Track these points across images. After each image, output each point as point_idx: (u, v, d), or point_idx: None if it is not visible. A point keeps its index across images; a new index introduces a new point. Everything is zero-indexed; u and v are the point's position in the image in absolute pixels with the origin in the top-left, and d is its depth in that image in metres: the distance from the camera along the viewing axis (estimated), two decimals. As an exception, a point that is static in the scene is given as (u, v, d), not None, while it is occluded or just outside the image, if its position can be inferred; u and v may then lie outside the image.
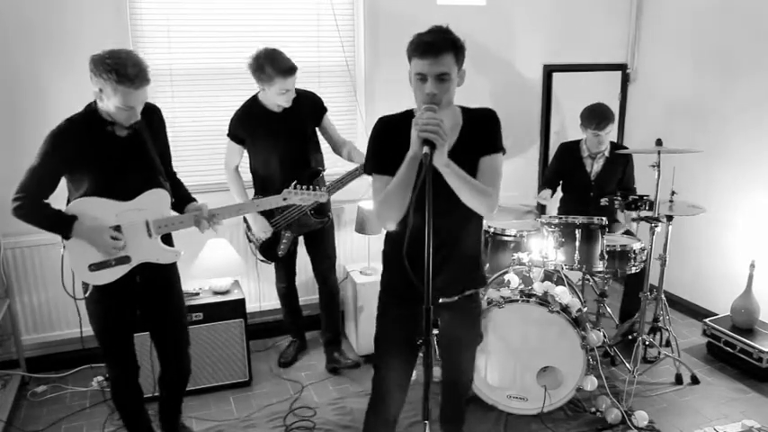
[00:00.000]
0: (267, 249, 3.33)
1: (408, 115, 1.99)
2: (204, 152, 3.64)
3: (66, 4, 3.20)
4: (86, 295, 2.35)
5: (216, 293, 3.32)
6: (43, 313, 3.43)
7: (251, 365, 3.37)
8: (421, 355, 1.75)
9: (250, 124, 3.14)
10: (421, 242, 1.63)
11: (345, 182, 3.16)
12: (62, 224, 2.21)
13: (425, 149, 1.70)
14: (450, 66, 1.84)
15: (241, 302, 3.30)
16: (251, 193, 3.32)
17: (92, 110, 2.23)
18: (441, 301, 2.07)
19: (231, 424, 3.03)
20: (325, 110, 3.28)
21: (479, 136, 1.98)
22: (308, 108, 3.22)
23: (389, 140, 1.96)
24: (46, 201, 2.22)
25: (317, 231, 3.34)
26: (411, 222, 1.78)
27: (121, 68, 2.04)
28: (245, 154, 3.26)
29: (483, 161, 1.97)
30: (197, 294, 3.27)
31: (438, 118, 1.74)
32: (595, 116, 3.60)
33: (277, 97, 3.02)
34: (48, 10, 3.17)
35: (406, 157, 1.83)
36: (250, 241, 3.38)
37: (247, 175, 3.32)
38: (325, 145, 3.37)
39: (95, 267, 2.29)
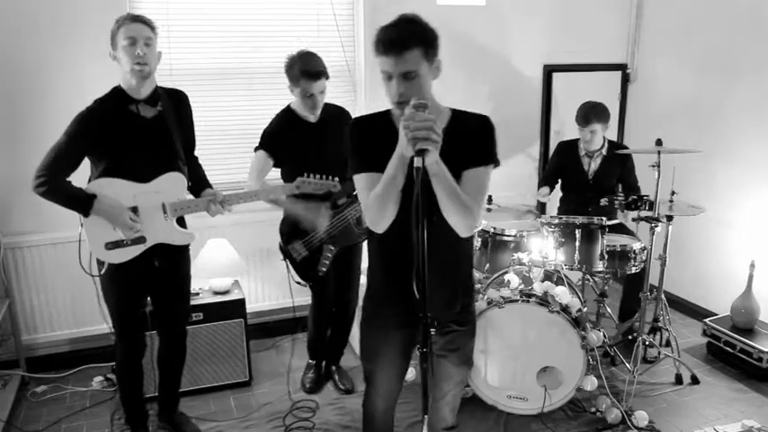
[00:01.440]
0: (307, 268, 3.02)
1: (385, 115, 1.85)
2: (205, 152, 3.62)
3: (67, 3, 3.20)
4: (102, 273, 2.45)
5: (216, 293, 3.31)
6: (43, 313, 3.43)
7: (251, 365, 3.37)
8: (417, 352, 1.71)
9: (286, 133, 2.96)
10: (416, 255, 1.56)
11: None
12: (82, 202, 2.30)
13: (417, 163, 1.55)
14: (417, 62, 1.67)
15: (241, 302, 3.29)
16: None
17: (118, 90, 2.36)
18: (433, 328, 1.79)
19: (231, 424, 3.03)
20: None
21: (467, 144, 1.77)
22: (339, 120, 3.00)
23: (369, 139, 1.82)
24: (68, 179, 2.31)
25: (352, 251, 3.13)
26: (417, 237, 1.59)
27: (123, 15, 2.34)
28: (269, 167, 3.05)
29: (469, 172, 1.77)
30: (197, 294, 3.26)
31: (431, 118, 1.59)
32: (583, 113, 3.67)
33: (302, 100, 2.89)
34: (47, 10, 3.17)
35: (393, 157, 1.67)
36: (287, 257, 3.02)
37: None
38: None
39: (111, 246, 2.39)
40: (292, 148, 2.96)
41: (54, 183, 2.26)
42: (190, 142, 2.63)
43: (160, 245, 2.48)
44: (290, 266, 3.04)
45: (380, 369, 2.06)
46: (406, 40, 1.66)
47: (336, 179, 2.70)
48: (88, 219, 2.34)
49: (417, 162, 1.56)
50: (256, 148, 2.99)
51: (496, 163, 1.83)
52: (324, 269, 3.01)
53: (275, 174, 3.16)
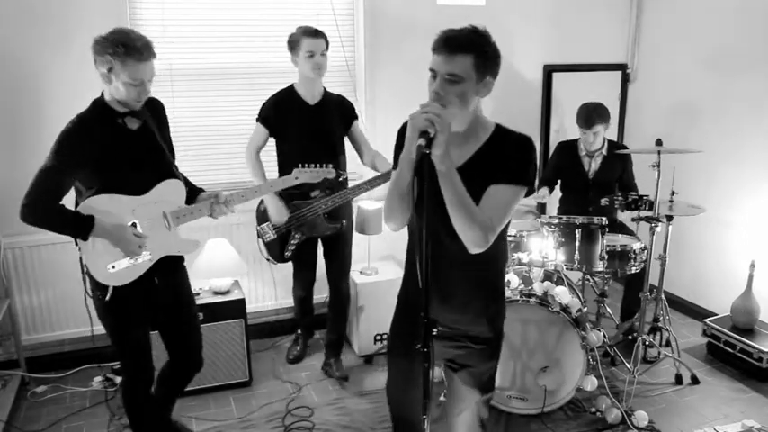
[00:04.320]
0: (275, 249, 3.26)
1: None
2: (205, 152, 3.64)
3: (67, 3, 3.20)
4: (107, 299, 2.24)
5: (216, 293, 3.32)
6: (43, 313, 3.43)
7: (251, 365, 3.37)
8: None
9: (283, 110, 3.11)
10: (434, 257, 1.55)
11: (375, 184, 3.09)
12: (80, 226, 2.12)
13: (420, 141, 1.53)
14: (464, 69, 1.63)
15: (241, 302, 3.29)
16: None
17: (100, 104, 2.21)
18: (443, 329, 1.79)
19: (231, 424, 3.03)
20: (355, 117, 3.26)
21: (501, 161, 1.72)
22: (338, 110, 3.21)
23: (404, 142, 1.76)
24: (60, 203, 2.13)
25: (336, 237, 3.27)
26: (426, 238, 1.58)
27: (128, 41, 2.06)
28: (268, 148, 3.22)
29: (492, 188, 1.70)
30: (197, 294, 3.26)
31: (439, 109, 1.57)
32: (584, 115, 3.66)
33: (305, 61, 2.99)
34: (48, 10, 3.17)
35: (401, 157, 1.69)
36: (259, 237, 3.28)
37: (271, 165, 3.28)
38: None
39: (116, 267, 2.22)
40: (288, 125, 3.11)
41: (45, 209, 2.09)
42: (171, 150, 2.46)
43: (160, 264, 2.32)
44: (262, 245, 3.27)
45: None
46: (461, 44, 1.65)
47: (331, 166, 2.81)
48: (87, 242, 2.16)
49: (421, 141, 1.53)
50: (256, 119, 3.16)
51: (528, 186, 1.75)
52: (289, 253, 3.25)
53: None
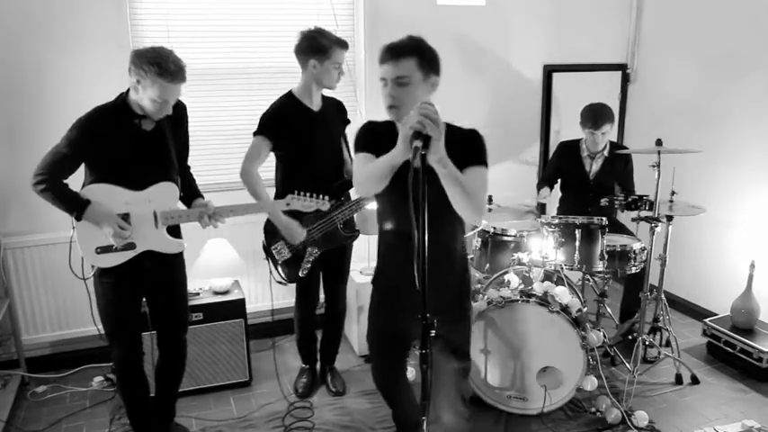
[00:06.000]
0: (289, 269, 2.98)
1: (390, 124, 2.03)
2: (204, 152, 3.63)
3: (67, 3, 3.20)
4: (91, 275, 2.46)
5: (216, 293, 3.32)
6: (43, 313, 3.43)
7: (251, 365, 3.37)
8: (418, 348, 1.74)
9: (287, 119, 2.87)
10: (414, 249, 1.63)
11: (352, 210, 2.98)
12: (77, 206, 2.31)
13: (416, 143, 1.60)
14: (410, 70, 1.87)
15: (241, 302, 3.29)
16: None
17: (122, 101, 2.35)
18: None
19: (231, 424, 3.03)
20: (348, 121, 3.15)
21: (461, 151, 1.89)
22: (338, 113, 3.08)
23: (375, 137, 2.02)
24: (65, 181, 2.33)
25: (340, 250, 3.11)
26: (417, 232, 1.64)
27: (163, 63, 2.21)
28: (269, 157, 3.00)
29: (468, 170, 1.90)
30: (197, 294, 3.27)
31: (434, 113, 1.64)
32: (592, 115, 3.63)
33: (331, 71, 2.82)
34: (46, 11, 3.17)
35: (398, 143, 1.74)
36: (268, 256, 3.00)
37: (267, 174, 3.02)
38: None
39: (101, 250, 2.41)
40: (295, 133, 2.87)
41: (51, 184, 2.28)
42: (184, 152, 2.63)
43: (151, 252, 2.48)
44: (272, 266, 2.99)
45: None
46: (402, 50, 1.88)
47: (326, 198, 2.67)
48: (81, 222, 2.35)
49: (417, 144, 1.62)
50: (255, 133, 2.89)
51: (486, 166, 1.98)
52: (305, 271, 2.98)
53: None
